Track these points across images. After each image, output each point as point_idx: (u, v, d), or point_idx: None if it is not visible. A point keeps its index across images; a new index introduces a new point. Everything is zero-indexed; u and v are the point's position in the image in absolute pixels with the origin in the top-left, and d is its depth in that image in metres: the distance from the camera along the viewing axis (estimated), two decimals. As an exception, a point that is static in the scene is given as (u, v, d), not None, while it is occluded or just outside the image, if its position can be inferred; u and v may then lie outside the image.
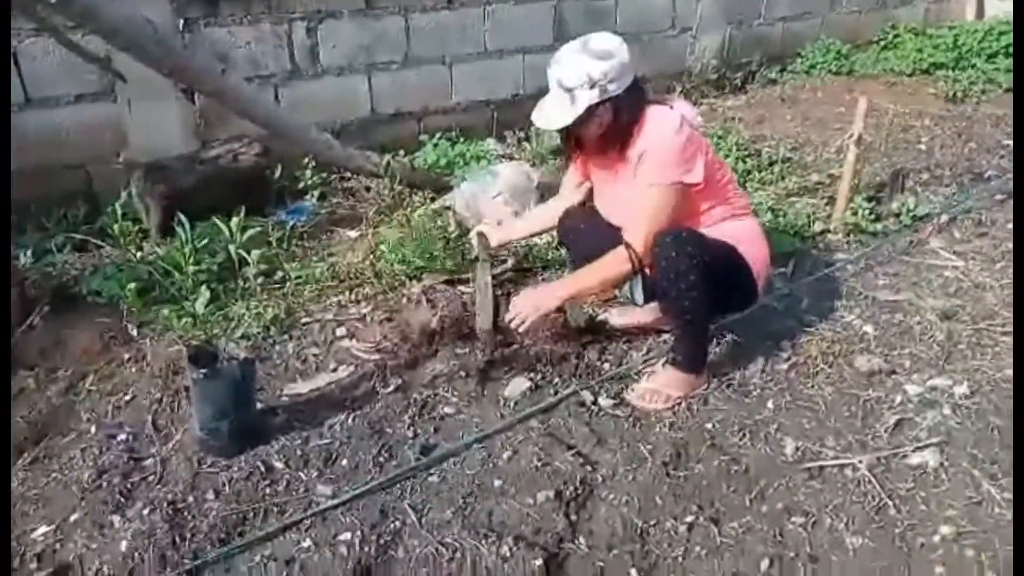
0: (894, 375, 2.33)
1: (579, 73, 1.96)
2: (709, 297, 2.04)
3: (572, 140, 2.20)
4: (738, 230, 2.15)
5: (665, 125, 2.03)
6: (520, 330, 2.17)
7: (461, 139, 4.20)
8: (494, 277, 2.84)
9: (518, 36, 4.43)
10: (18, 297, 2.51)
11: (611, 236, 2.17)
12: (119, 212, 2.78)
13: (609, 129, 2.06)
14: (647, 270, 2.11)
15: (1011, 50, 5.64)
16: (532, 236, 2.81)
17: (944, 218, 3.36)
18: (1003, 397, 2.20)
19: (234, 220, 2.65)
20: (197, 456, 2.00)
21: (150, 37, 2.66)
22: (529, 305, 2.13)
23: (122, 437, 2.07)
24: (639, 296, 2.29)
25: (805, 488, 1.91)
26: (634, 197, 2.08)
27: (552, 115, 2.05)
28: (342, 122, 3.98)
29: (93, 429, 2.11)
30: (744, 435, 2.09)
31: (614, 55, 1.98)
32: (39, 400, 2.22)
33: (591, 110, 2.00)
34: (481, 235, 2.65)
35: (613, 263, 2.08)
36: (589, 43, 2.00)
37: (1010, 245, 3.11)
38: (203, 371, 1.93)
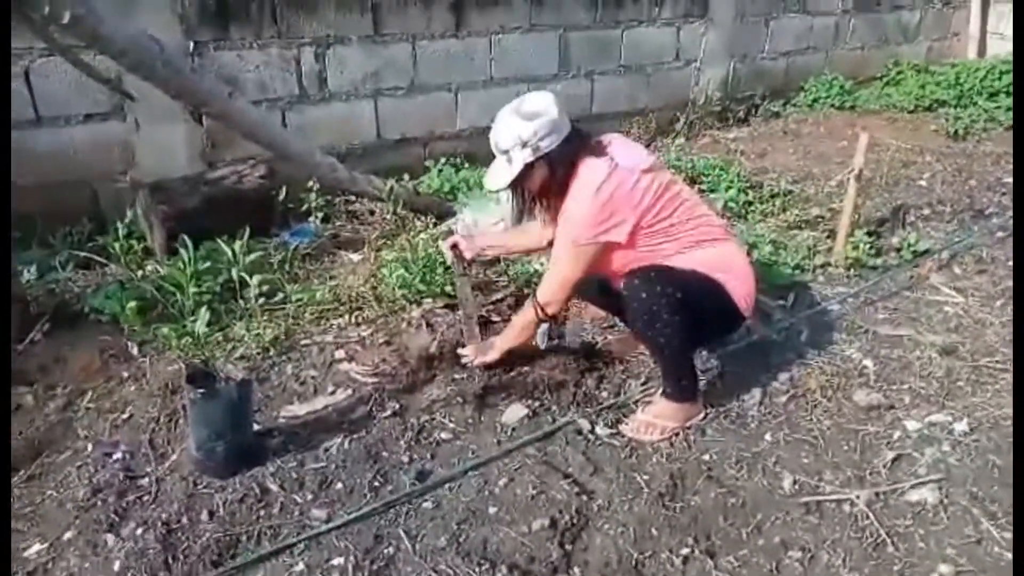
0: (893, 410, 2.33)
1: (511, 135, 2.07)
2: (686, 329, 2.06)
3: (523, 198, 2.27)
4: (711, 257, 2.14)
5: (588, 183, 2.06)
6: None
7: (465, 165, 4.25)
8: (494, 303, 2.86)
9: (524, 65, 4.49)
10: (20, 313, 2.53)
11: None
12: (123, 231, 2.80)
13: (548, 184, 2.14)
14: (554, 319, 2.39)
15: (1012, 89, 5.71)
16: (506, 253, 2.89)
17: (945, 254, 3.38)
18: (1003, 435, 2.19)
19: (238, 243, 2.67)
20: (192, 476, 1.99)
21: (158, 58, 2.70)
22: (474, 354, 2.44)
23: (118, 455, 2.07)
24: (541, 341, 2.55)
25: (803, 522, 1.90)
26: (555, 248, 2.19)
27: (494, 176, 2.18)
28: (348, 146, 4.02)
29: (90, 447, 2.11)
30: (742, 467, 2.08)
31: (542, 114, 2.06)
32: (37, 417, 2.22)
33: (527, 168, 2.09)
34: (454, 247, 2.60)
35: (523, 322, 2.35)
36: (521, 105, 2.10)
37: (1010, 282, 3.12)
38: (200, 391, 1.93)
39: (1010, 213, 3.85)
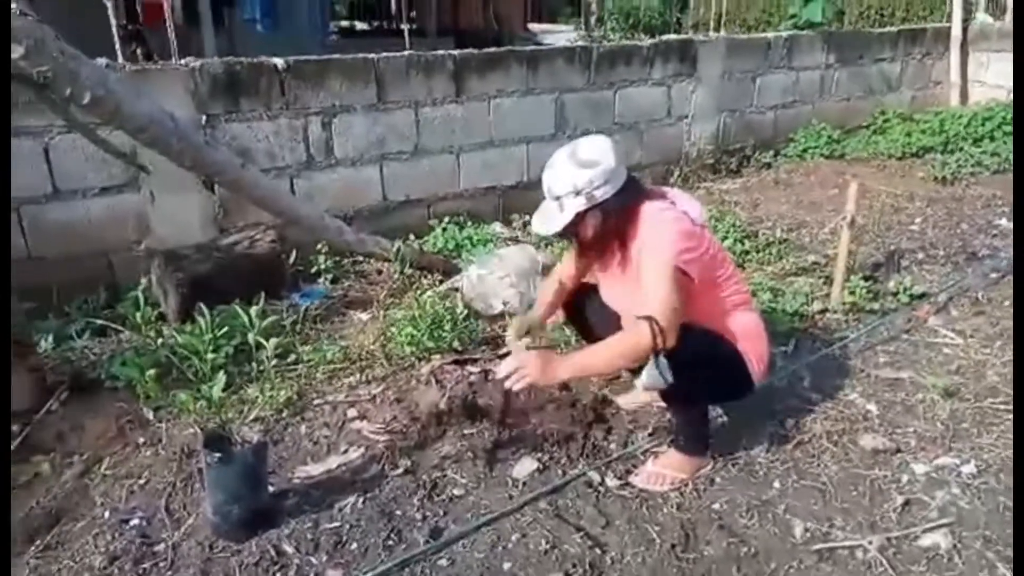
0: (900, 453, 2.35)
1: (565, 182, 2.03)
2: (705, 388, 2.10)
3: (574, 242, 2.26)
4: (737, 325, 2.17)
5: (663, 218, 2.06)
6: (508, 385, 2.01)
7: (469, 223, 4.36)
8: (500, 358, 2.91)
9: (522, 127, 4.65)
10: (37, 383, 2.57)
11: (616, 314, 2.24)
12: (141, 298, 2.87)
13: (602, 232, 2.09)
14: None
15: (996, 135, 5.87)
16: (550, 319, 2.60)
17: (942, 297, 3.44)
18: (1011, 476, 2.21)
19: (254, 308, 2.73)
20: (209, 541, 2.01)
21: (173, 133, 2.81)
22: (536, 368, 1.97)
23: (135, 522, 2.09)
24: (659, 379, 1.94)
25: (816, 571, 1.91)
26: (641, 292, 2.00)
27: (545, 221, 2.12)
28: (355, 209, 4.14)
29: (107, 514, 2.13)
30: (752, 516, 2.10)
31: (599, 163, 2.02)
32: (54, 485, 2.24)
33: (580, 216, 2.05)
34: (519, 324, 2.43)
35: (634, 341, 1.92)
36: (577, 151, 2.05)
37: (1008, 323, 3.17)
38: (217, 455, 1.97)
39: (1003, 254, 3.93)
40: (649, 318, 1.89)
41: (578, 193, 2.02)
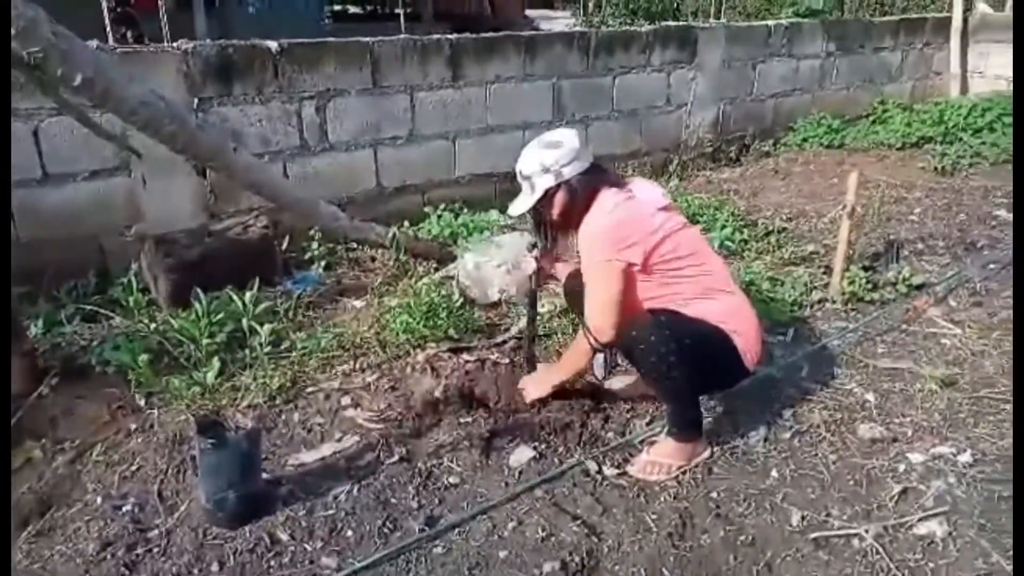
0: (897, 443, 2.35)
1: (534, 162, 2.18)
2: (692, 374, 2.10)
3: (543, 227, 2.37)
4: (718, 307, 2.17)
5: (605, 205, 2.14)
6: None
7: (464, 210, 4.32)
8: (496, 345, 2.90)
9: (519, 112, 4.61)
10: (28, 368, 2.54)
11: None
12: (133, 283, 2.84)
13: (568, 209, 2.20)
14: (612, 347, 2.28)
15: (995, 125, 5.85)
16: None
17: (940, 288, 3.43)
18: (1008, 466, 2.21)
19: (248, 294, 2.70)
20: (202, 527, 1.99)
21: (165, 115, 2.77)
22: (531, 386, 2.50)
23: (127, 508, 2.07)
24: (599, 371, 2.49)
25: (813, 559, 1.90)
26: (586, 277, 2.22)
27: (517, 203, 2.27)
28: (348, 195, 4.10)
29: (99, 500, 2.11)
30: (749, 504, 2.09)
31: (563, 144, 2.17)
32: (46, 471, 2.22)
33: (548, 193, 2.18)
34: (540, 267, 2.56)
35: (578, 350, 2.31)
36: (545, 137, 2.23)
37: (1006, 314, 3.17)
38: (210, 441, 1.95)
39: (1001, 245, 3.91)
40: (585, 327, 2.22)
41: (546, 171, 2.16)
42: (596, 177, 2.20)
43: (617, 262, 2.10)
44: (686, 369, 2.07)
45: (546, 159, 2.15)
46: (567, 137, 2.20)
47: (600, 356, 2.39)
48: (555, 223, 2.30)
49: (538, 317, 2.69)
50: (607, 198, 2.16)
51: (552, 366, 2.55)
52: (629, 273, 2.13)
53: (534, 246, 2.52)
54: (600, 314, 2.16)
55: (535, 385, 2.51)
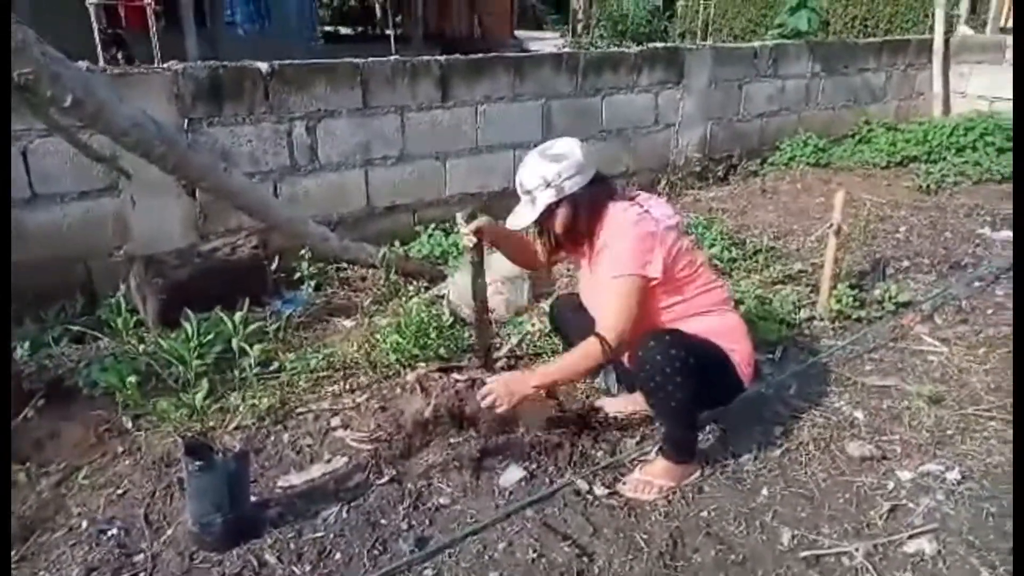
0: (886, 460, 2.35)
1: (535, 176, 2.12)
2: (694, 393, 2.09)
3: (546, 239, 2.34)
4: (717, 325, 2.19)
5: (623, 219, 2.13)
6: (494, 411, 2.18)
7: (455, 230, 4.33)
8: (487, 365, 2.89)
9: (509, 132, 4.64)
10: (14, 390, 2.52)
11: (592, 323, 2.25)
12: (121, 304, 2.82)
13: (572, 224, 2.17)
14: (625, 360, 2.21)
15: (978, 145, 5.94)
16: (511, 251, 2.55)
17: (927, 306, 3.46)
18: (995, 482, 2.22)
19: (237, 314, 2.69)
20: (189, 551, 1.97)
21: (155, 136, 2.78)
22: (503, 389, 2.15)
23: (113, 532, 2.04)
24: (613, 385, 2.40)
25: (803, 578, 1.90)
26: (601, 289, 2.16)
27: (518, 216, 2.21)
28: (339, 215, 4.10)
29: (84, 524, 2.08)
30: (740, 523, 2.09)
31: (567, 156, 2.12)
32: (30, 495, 2.19)
33: (550, 208, 2.14)
34: (478, 232, 2.35)
35: (585, 354, 2.12)
36: (547, 148, 2.16)
37: (991, 331, 3.20)
38: (198, 464, 1.93)
39: (985, 263, 3.96)
40: (598, 335, 2.08)
41: (548, 185, 2.11)
42: (600, 191, 2.17)
43: (641, 277, 2.07)
44: (689, 388, 2.06)
45: (548, 173, 2.10)
46: (570, 148, 2.14)
47: (612, 368, 2.34)
48: (558, 237, 2.26)
49: (484, 290, 2.47)
50: (621, 211, 2.13)
51: (545, 365, 2.35)
52: (648, 288, 2.11)
53: (471, 217, 2.35)
54: (616, 322, 2.07)
55: (508, 388, 2.15)
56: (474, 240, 2.36)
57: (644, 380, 2.14)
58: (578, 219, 2.16)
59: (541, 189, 2.12)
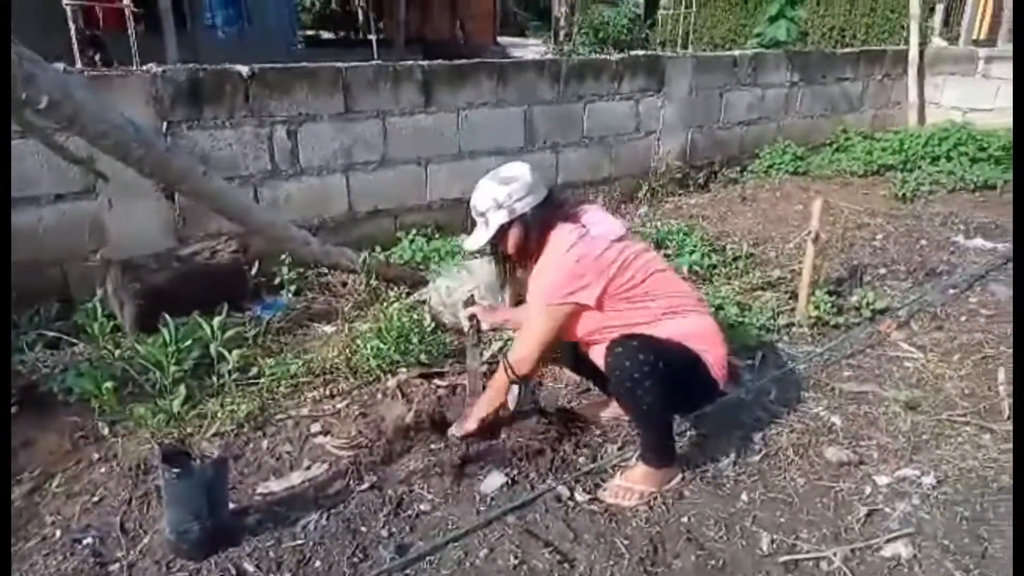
0: (863, 466, 2.38)
1: (487, 198, 2.21)
2: (667, 397, 2.10)
3: (502, 260, 2.41)
4: (687, 327, 2.20)
5: (559, 247, 2.18)
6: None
7: (436, 235, 4.33)
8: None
9: (491, 138, 4.65)
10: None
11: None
12: (98, 309, 2.78)
13: (523, 244, 2.25)
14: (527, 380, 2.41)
15: (952, 155, 6.06)
16: (516, 327, 2.69)
17: (903, 312, 3.51)
18: (969, 487, 2.26)
19: (216, 319, 2.67)
20: (166, 560, 1.94)
21: (134, 139, 2.74)
22: (457, 427, 2.46)
23: (88, 541, 2.01)
24: (512, 403, 2.54)
25: (782, 583, 1.92)
26: (530, 311, 2.28)
27: (474, 238, 2.30)
28: (320, 219, 4.08)
29: (58, 533, 2.05)
30: (720, 529, 2.10)
31: (517, 179, 2.21)
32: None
33: (503, 228, 2.22)
34: (473, 317, 2.60)
35: (495, 386, 2.36)
36: (498, 172, 2.25)
37: (965, 338, 3.25)
38: (175, 471, 1.91)
39: (960, 270, 4.03)
40: (505, 362, 2.29)
41: (500, 206, 2.20)
42: (550, 212, 2.24)
43: (565, 305, 2.17)
44: (661, 393, 2.08)
45: (499, 195, 2.18)
46: (520, 172, 2.23)
47: (515, 389, 2.49)
48: (511, 257, 2.34)
49: (481, 372, 2.63)
50: (561, 236, 2.19)
51: (475, 404, 2.48)
52: (577, 311, 2.19)
53: (470, 301, 2.59)
54: (527, 348, 2.25)
55: (461, 423, 2.47)
56: (469, 325, 2.57)
57: (615, 386, 2.16)
58: (529, 239, 2.24)
59: (493, 210, 2.20)
